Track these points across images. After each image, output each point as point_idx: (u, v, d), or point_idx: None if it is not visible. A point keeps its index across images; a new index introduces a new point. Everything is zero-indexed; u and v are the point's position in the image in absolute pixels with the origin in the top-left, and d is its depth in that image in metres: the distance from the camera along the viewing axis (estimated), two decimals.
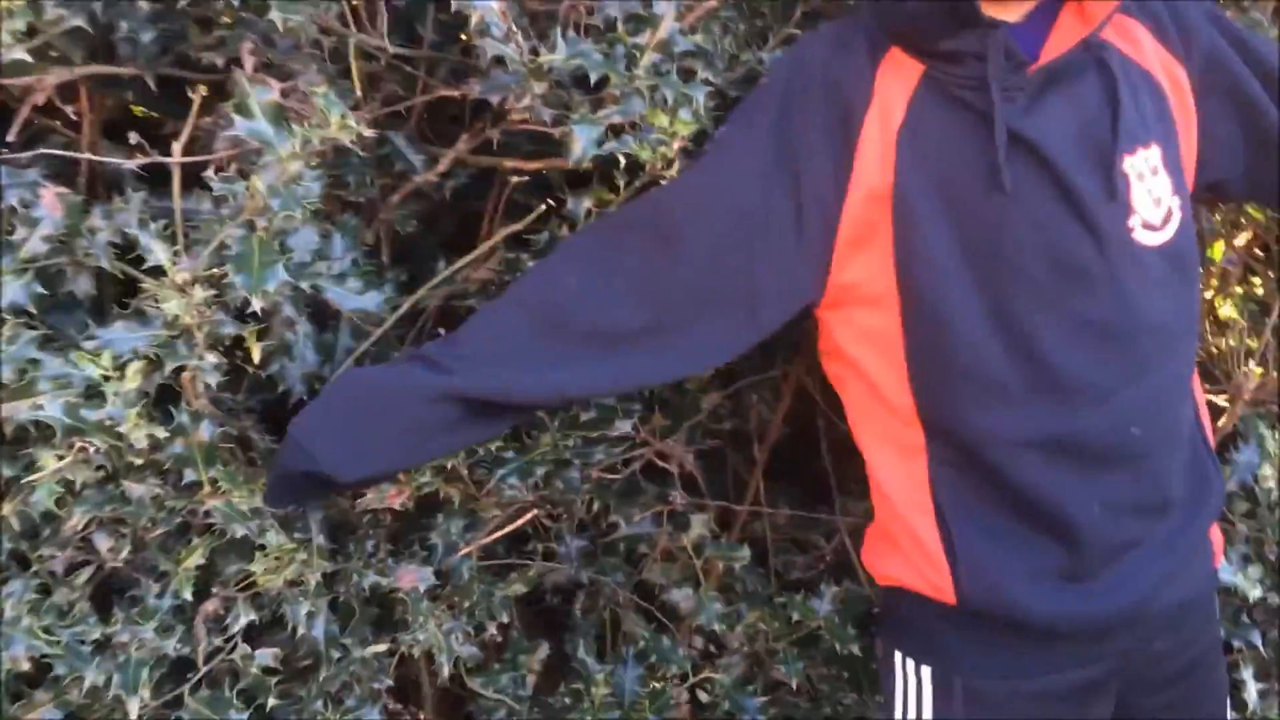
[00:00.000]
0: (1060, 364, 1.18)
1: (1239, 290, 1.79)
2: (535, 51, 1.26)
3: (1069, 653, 1.26)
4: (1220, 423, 1.69)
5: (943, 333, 1.19)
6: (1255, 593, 1.63)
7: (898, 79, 1.18)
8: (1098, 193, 1.17)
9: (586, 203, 1.38)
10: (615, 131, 1.27)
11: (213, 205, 1.19)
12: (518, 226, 1.35)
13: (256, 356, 1.21)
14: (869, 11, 1.21)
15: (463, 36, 1.39)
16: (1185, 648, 1.32)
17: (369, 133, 1.21)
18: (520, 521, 1.44)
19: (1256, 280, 1.90)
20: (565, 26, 1.31)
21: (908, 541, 1.28)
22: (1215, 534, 1.36)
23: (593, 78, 1.26)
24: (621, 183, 1.34)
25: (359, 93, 1.30)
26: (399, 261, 1.51)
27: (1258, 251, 1.88)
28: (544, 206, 1.37)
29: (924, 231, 1.17)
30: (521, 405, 1.21)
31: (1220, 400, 1.71)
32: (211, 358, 1.18)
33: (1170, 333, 1.24)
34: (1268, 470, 1.67)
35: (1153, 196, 1.20)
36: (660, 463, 1.60)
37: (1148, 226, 1.20)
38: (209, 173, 1.17)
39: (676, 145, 1.26)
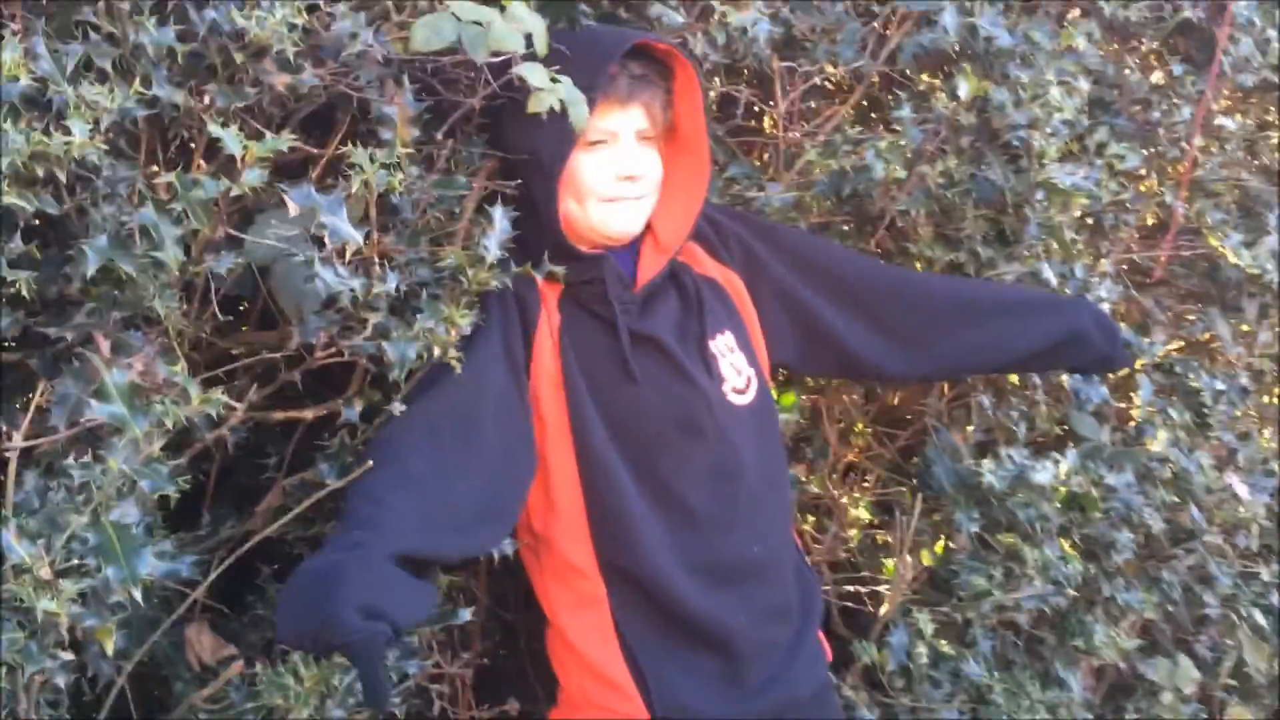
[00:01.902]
0: (694, 504, 1.51)
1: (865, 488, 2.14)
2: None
3: None
4: (882, 611, 2.00)
5: (608, 493, 1.47)
6: None
7: (551, 288, 1.51)
8: (700, 369, 1.53)
9: (358, 407, 1.46)
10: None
11: (66, 493, 1.11)
12: (337, 484, 1.37)
13: (110, 649, 1.12)
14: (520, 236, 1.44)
15: None
16: None
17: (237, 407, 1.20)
18: None
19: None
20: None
21: (598, 689, 1.51)
22: (822, 637, 1.68)
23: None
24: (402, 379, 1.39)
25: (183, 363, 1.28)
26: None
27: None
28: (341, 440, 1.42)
29: (585, 412, 1.47)
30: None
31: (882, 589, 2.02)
32: (66, 655, 1.09)
33: (767, 469, 1.59)
34: (921, 648, 1.98)
35: (735, 368, 1.57)
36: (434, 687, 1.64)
37: (736, 391, 1.56)
38: (69, 459, 1.10)
39: (454, 333, 1.37)
